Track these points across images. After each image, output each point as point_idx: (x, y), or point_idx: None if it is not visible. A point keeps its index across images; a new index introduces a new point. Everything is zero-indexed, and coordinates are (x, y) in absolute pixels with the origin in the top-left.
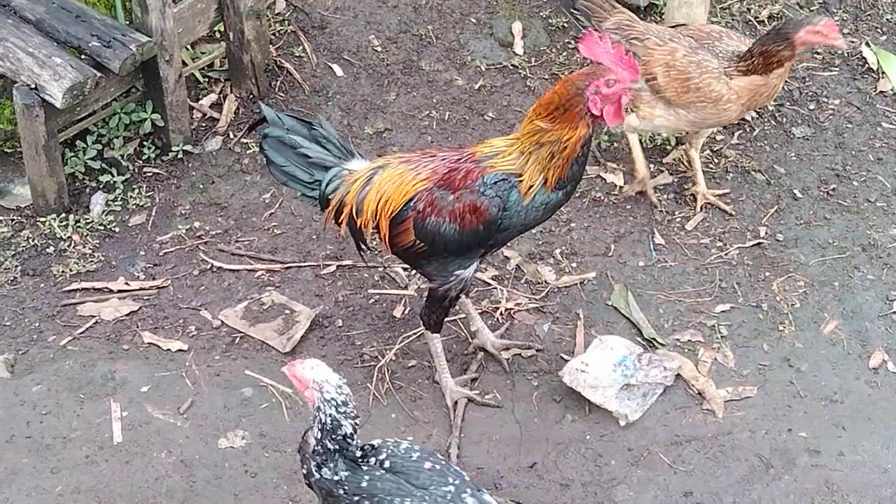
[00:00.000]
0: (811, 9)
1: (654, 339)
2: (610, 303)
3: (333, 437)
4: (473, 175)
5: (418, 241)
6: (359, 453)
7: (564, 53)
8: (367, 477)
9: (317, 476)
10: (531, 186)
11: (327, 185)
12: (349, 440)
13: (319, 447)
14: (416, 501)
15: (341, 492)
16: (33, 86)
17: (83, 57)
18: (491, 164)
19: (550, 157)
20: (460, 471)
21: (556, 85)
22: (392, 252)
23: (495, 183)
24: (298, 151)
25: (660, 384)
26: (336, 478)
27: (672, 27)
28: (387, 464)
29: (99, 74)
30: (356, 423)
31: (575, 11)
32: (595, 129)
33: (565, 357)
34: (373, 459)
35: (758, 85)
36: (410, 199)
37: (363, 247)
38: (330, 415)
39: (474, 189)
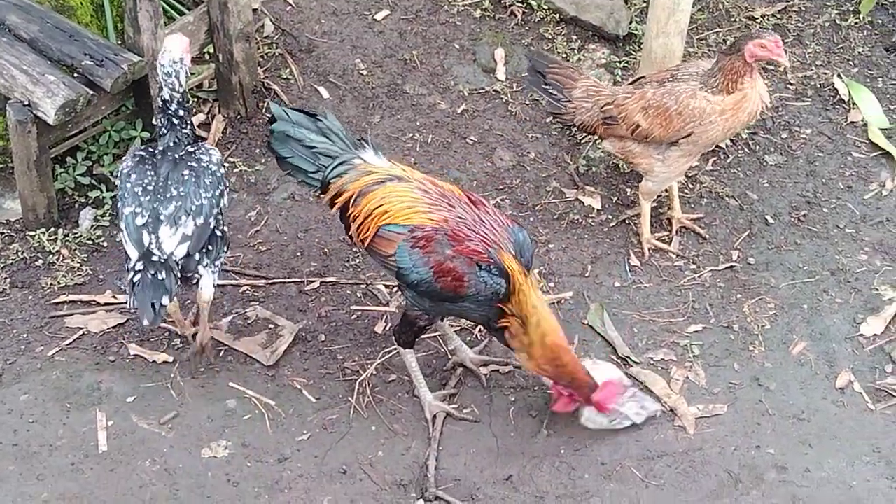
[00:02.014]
0: (785, 41)
1: (628, 357)
2: (586, 322)
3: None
4: (483, 257)
5: (393, 258)
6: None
7: None
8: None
9: None
10: (514, 322)
11: (332, 169)
12: (167, 104)
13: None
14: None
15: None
16: (27, 102)
17: (76, 75)
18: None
19: (531, 344)
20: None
21: (571, 366)
22: (364, 247)
23: (491, 275)
24: (304, 144)
25: (628, 419)
26: (157, 123)
27: (631, 83)
28: (172, 155)
29: (91, 92)
30: (173, 91)
31: (547, 87)
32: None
33: None
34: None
35: (737, 101)
36: (411, 224)
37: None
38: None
39: (472, 263)
